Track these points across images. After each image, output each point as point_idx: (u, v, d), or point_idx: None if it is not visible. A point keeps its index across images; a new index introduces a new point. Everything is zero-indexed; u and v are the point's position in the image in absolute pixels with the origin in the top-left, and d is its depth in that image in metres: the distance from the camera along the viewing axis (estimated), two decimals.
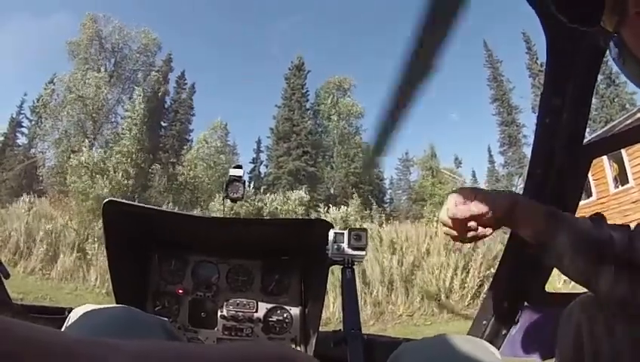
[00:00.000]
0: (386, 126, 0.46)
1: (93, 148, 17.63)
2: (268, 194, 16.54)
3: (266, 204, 15.68)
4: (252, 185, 16.38)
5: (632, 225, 1.07)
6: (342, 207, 16.78)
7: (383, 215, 17.78)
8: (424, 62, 0.37)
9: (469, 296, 9.96)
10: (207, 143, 24.65)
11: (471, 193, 1.16)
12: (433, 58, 0.36)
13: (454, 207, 1.15)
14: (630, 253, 1.01)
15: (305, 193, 18.07)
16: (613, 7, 0.68)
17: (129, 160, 18.26)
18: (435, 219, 14.41)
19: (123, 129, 20.21)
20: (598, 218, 1.11)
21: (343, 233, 1.52)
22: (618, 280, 1.03)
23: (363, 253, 1.51)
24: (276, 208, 15.88)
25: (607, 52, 0.77)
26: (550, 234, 1.12)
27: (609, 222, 1.10)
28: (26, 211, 13.20)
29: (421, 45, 0.36)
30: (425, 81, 0.39)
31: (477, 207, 1.12)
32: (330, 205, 17.09)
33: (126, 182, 17.20)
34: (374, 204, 22.10)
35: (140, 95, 21.06)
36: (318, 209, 17.56)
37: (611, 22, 0.70)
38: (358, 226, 2.12)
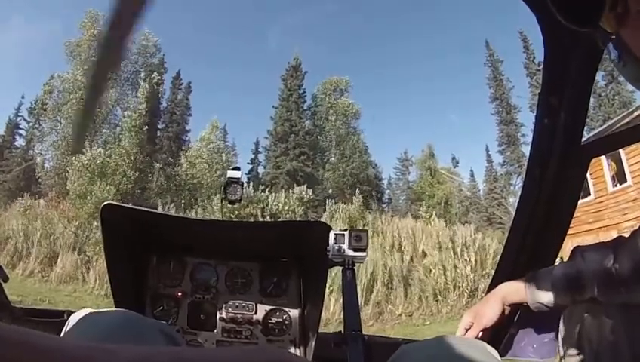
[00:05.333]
0: (82, 114, 0.48)
1: (92, 150, 17.48)
2: (266, 193, 16.47)
3: (267, 205, 15.64)
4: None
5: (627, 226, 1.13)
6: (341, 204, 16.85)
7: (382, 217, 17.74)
8: (110, 56, 0.38)
9: (466, 294, 9.99)
10: (207, 143, 24.64)
11: (469, 318, 1.41)
12: (119, 54, 0.38)
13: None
14: (616, 263, 1.13)
15: (305, 192, 18.01)
16: (614, 6, 0.68)
17: (128, 161, 18.25)
18: (432, 219, 14.47)
19: (122, 130, 20.18)
20: (574, 254, 1.26)
21: (344, 234, 1.52)
22: (607, 293, 1.14)
23: (364, 253, 1.51)
24: (278, 207, 15.84)
25: (606, 52, 0.76)
26: (536, 294, 1.32)
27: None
28: (25, 213, 13.19)
29: (107, 41, 0.38)
30: (111, 74, 0.41)
31: (479, 328, 1.38)
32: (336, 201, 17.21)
33: (126, 186, 17.20)
34: (374, 203, 22.13)
35: (144, 94, 21.04)
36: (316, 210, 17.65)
37: (611, 22, 0.70)
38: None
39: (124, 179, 17.43)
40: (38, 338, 0.33)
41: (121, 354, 0.36)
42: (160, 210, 13.32)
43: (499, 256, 1.89)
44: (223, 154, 25.34)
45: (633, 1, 0.65)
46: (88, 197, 14.48)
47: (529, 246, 1.66)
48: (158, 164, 22.77)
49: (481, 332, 1.37)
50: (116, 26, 0.37)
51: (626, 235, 1.18)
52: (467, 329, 1.40)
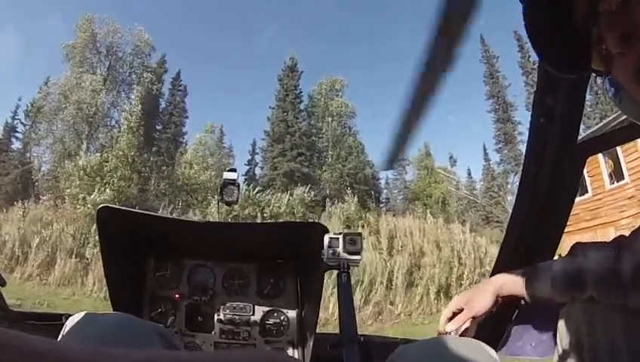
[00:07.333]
0: (405, 124, 0.47)
1: (89, 153, 17.53)
2: (266, 195, 16.47)
3: (266, 206, 15.66)
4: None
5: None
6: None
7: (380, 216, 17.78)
8: (442, 59, 0.37)
9: None
10: (203, 145, 24.58)
11: (460, 302, 1.38)
12: (450, 56, 0.37)
13: (444, 324, 1.38)
14: (617, 264, 1.12)
15: (306, 192, 18.03)
16: (598, 50, 0.69)
17: (125, 163, 18.23)
18: (429, 217, 14.52)
19: (120, 132, 20.11)
20: (574, 251, 1.25)
21: (338, 237, 1.51)
22: (607, 293, 1.14)
23: (358, 257, 1.50)
24: (279, 208, 15.86)
25: (605, 91, 0.78)
26: (533, 289, 1.29)
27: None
28: (22, 216, 13.16)
29: (437, 44, 0.36)
30: (443, 77, 0.39)
31: (468, 316, 1.34)
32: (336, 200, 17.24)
33: (124, 188, 17.19)
34: (372, 203, 22.14)
35: (138, 97, 20.95)
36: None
37: (599, 64, 0.71)
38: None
39: (122, 181, 17.41)
40: (35, 342, 0.33)
41: (121, 358, 0.36)
42: (161, 212, 13.34)
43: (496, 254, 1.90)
44: (215, 158, 25.21)
45: (611, 44, 0.66)
46: (86, 200, 14.45)
47: (526, 244, 1.67)
48: (155, 166, 22.75)
49: (469, 321, 1.35)
50: (439, 50, 0.36)
51: (624, 233, 1.18)
52: (455, 314, 1.38)
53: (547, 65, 0.74)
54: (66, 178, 16.97)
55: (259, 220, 13.43)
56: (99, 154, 17.95)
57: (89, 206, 13.65)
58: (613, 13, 0.64)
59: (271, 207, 15.56)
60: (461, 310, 1.37)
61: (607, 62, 0.70)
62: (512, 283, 1.34)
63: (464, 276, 10.36)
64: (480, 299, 1.35)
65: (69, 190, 16.09)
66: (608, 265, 1.13)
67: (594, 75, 0.79)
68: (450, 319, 1.38)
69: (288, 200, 16.61)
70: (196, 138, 25.58)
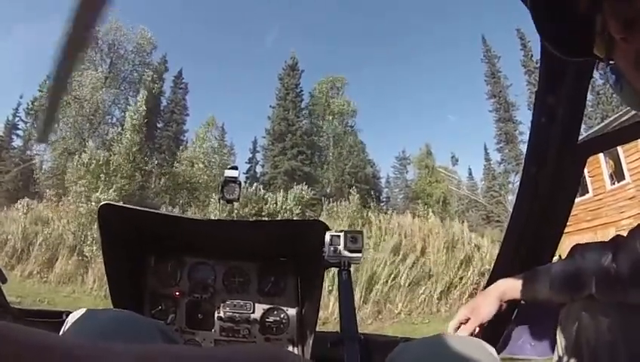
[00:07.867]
0: (50, 104, 0.50)
1: (91, 150, 17.45)
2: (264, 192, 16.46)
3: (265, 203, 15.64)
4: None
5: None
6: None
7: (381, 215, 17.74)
8: (72, 50, 0.40)
9: (467, 293, 10.00)
10: (203, 142, 24.47)
11: (466, 312, 1.41)
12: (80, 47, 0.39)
13: (454, 329, 1.41)
14: (614, 263, 1.15)
15: (305, 191, 18.00)
16: (601, 36, 0.69)
17: (128, 161, 18.19)
18: (430, 216, 14.53)
19: (122, 130, 20.05)
20: (573, 252, 1.29)
21: (339, 235, 1.52)
22: (606, 291, 1.16)
23: (359, 255, 1.51)
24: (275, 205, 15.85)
25: (605, 77, 0.77)
26: (534, 291, 1.33)
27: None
28: (23, 214, 13.16)
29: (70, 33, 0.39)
30: (74, 67, 0.42)
31: (476, 324, 1.38)
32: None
33: (125, 185, 17.16)
34: (372, 202, 22.12)
35: (144, 97, 20.88)
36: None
37: (601, 49, 0.71)
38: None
39: (124, 179, 17.38)
40: (39, 336, 0.33)
41: (126, 353, 0.37)
42: (163, 210, 13.32)
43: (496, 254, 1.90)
44: (217, 156, 25.14)
45: (614, 30, 0.66)
46: (91, 197, 14.42)
47: (526, 244, 1.67)
48: (156, 163, 22.72)
49: (477, 328, 1.37)
50: (82, 13, 0.37)
51: (624, 233, 1.18)
52: (462, 324, 1.40)
53: (549, 45, 0.74)
54: (71, 174, 16.92)
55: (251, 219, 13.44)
56: (101, 152, 17.86)
57: (93, 203, 13.61)
58: (617, 0, 0.64)
59: (268, 205, 15.55)
60: (467, 319, 1.39)
61: (610, 48, 0.70)
62: (514, 288, 1.37)
63: (466, 276, 10.34)
64: (485, 307, 1.37)
65: (74, 187, 16.05)
66: (606, 264, 1.14)
67: (597, 64, 0.79)
68: (457, 329, 1.41)
69: (287, 198, 16.58)
70: (198, 132, 25.47)
